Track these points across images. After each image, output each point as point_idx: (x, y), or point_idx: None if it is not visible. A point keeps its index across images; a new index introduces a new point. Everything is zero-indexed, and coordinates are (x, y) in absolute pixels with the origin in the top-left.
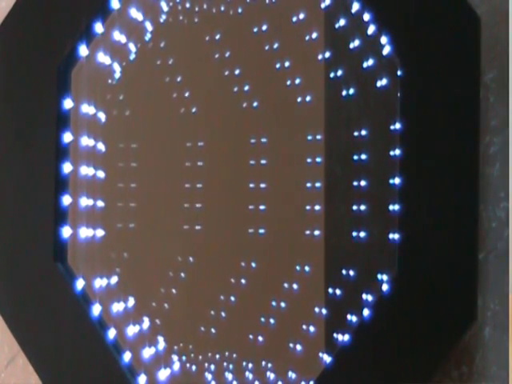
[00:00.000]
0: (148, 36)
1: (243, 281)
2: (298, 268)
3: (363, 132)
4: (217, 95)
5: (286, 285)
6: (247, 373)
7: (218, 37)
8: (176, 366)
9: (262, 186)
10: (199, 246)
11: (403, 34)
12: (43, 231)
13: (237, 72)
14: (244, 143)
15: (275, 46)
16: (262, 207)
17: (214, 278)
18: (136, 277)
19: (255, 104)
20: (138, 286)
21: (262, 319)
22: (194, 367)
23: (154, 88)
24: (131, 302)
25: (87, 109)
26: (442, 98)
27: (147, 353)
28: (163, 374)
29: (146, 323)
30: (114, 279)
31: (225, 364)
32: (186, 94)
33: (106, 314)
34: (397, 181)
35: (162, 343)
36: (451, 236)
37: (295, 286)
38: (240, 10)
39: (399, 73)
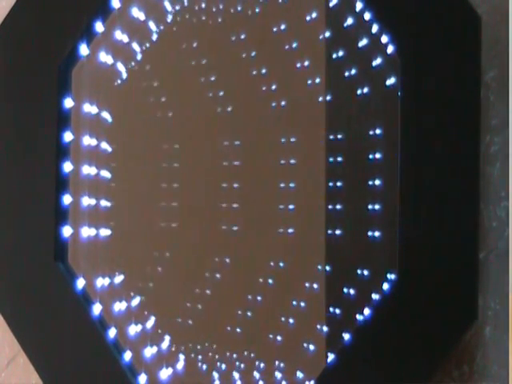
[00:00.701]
0: (154, 36)
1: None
2: (318, 267)
3: (362, 132)
4: (229, 94)
5: (306, 284)
6: (255, 372)
7: (223, 34)
8: (180, 365)
9: (282, 185)
10: (210, 244)
11: (404, 34)
12: (44, 230)
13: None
14: (274, 143)
15: (294, 44)
16: (282, 206)
17: (236, 278)
18: (142, 277)
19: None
20: (145, 286)
21: (282, 318)
22: (199, 365)
23: (158, 88)
24: (136, 301)
25: (89, 108)
26: (442, 97)
27: (149, 352)
28: (165, 373)
29: (151, 322)
30: (119, 278)
31: (234, 362)
32: (192, 96)
33: (107, 313)
34: (397, 180)
35: (166, 342)
36: (452, 235)
37: (315, 286)
38: (256, 10)
39: (400, 72)
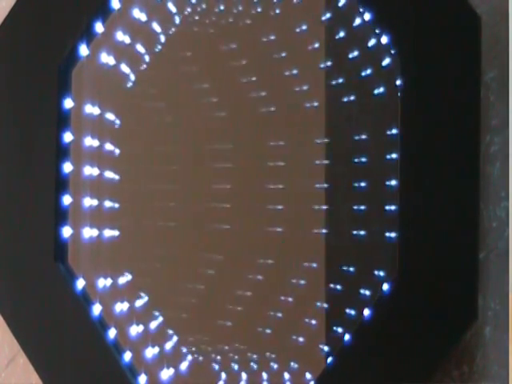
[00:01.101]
0: (156, 38)
1: (259, 277)
2: (304, 265)
3: (363, 135)
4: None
5: (293, 280)
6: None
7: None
8: (184, 365)
9: (280, 186)
10: (212, 243)
11: (403, 34)
12: (44, 231)
13: (254, 78)
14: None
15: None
16: (279, 207)
17: (229, 275)
18: (146, 277)
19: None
20: (150, 285)
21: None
22: (205, 365)
23: (159, 91)
24: (140, 301)
25: (91, 109)
26: (442, 98)
27: (151, 352)
28: (166, 373)
29: (156, 322)
30: (124, 279)
31: (235, 357)
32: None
33: (108, 314)
34: (397, 180)
35: (171, 342)
36: (452, 235)
37: (302, 281)
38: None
39: (400, 72)
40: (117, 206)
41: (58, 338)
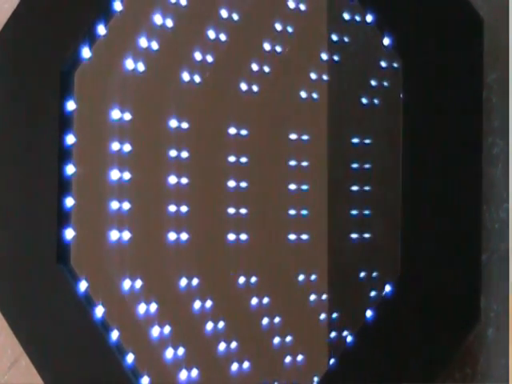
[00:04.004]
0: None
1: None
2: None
3: (365, 138)
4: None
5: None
6: None
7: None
8: (194, 373)
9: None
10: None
11: (405, 36)
12: (46, 233)
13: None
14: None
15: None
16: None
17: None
18: (157, 282)
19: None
20: (160, 290)
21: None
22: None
23: (168, 89)
24: (153, 307)
25: (97, 111)
26: (444, 100)
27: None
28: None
29: (168, 328)
30: (129, 283)
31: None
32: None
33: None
34: (399, 182)
35: (182, 349)
36: (454, 237)
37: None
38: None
39: (402, 75)
40: (126, 207)
41: (60, 340)
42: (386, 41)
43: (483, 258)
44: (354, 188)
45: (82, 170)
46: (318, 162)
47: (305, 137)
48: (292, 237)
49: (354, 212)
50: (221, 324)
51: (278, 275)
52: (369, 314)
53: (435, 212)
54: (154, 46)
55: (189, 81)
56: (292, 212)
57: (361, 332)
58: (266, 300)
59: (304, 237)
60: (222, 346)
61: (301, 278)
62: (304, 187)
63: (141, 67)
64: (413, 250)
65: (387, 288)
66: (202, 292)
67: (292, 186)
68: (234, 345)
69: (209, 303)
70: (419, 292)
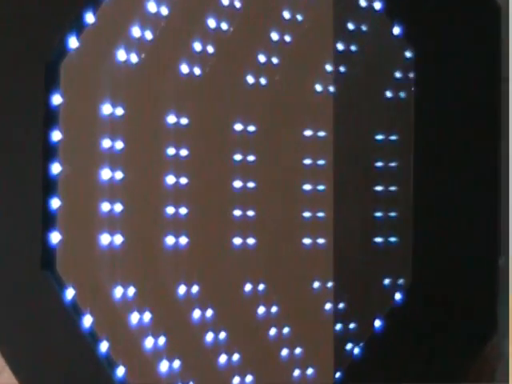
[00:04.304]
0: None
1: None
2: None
3: (379, 134)
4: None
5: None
6: None
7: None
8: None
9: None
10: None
11: (417, 24)
12: (29, 236)
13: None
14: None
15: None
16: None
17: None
18: (152, 288)
19: None
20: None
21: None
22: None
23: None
24: (147, 316)
25: (86, 105)
26: (458, 93)
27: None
28: None
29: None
30: (131, 290)
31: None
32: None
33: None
34: (412, 182)
35: (177, 362)
36: (470, 240)
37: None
38: None
39: (414, 67)
40: (118, 208)
41: (45, 352)
42: (396, 30)
43: (500, 263)
44: (365, 189)
45: (69, 169)
46: (334, 160)
47: (321, 133)
48: (307, 241)
49: (364, 215)
50: (222, 335)
51: (288, 282)
52: (377, 323)
53: (450, 213)
54: (148, 35)
55: (188, 73)
56: (307, 214)
57: (368, 343)
58: (274, 309)
59: (320, 241)
60: (222, 359)
61: (316, 285)
62: (320, 187)
63: (134, 58)
64: (425, 253)
65: (397, 296)
66: (203, 300)
67: (307, 187)
68: (236, 357)
69: (209, 312)
70: (431, 301)
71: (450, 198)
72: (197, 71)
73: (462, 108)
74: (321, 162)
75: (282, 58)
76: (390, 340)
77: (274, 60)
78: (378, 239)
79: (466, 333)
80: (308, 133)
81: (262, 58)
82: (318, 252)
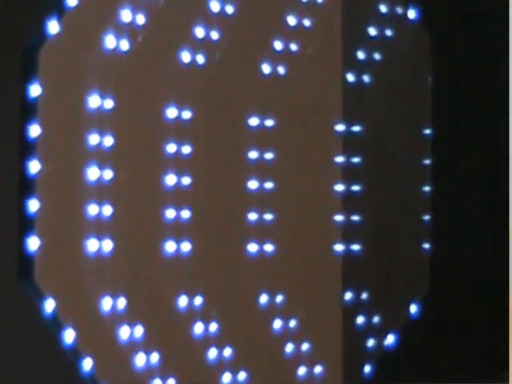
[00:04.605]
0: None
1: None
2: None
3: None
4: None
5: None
6: None
7: None
8: None
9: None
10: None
11: (433, 8)
12: (5, 242)
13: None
14: None
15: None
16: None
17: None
18: (147, 299)
19: None
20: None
21: None
22: None
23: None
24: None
25: (69, 97)
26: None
27: None
28: None
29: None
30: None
31: None
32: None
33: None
34: (428, 188)
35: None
36: (492, 250)
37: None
38: None
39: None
40: (108, 211)
41: (22, 370)
42: (412, 13)
43: None
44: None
45: (50, 168)
46: (373, 158)
47: (356, 128)
48: (339, 247)
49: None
50: (227, 351)
51: (311, 293)
52: (390, 339)
53: (471, 217)
54: (141, 19)
55: (190, 62)
56: (339, 218)
57: (381, 361)
58: (292, 323)
59: (355, 247)
60: (226, 378)
61: (348, 296)
62: (355, 188)
63: (124, 45)
64: (444, 264)
65: (412, 308)
66: (206, 314)
67: (339, 187)
68: (242, 376)
69: (213, 327)
70: (450, 313)
71: (473, 200)
72: (200, 59)
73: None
74: (355, 160)
75: (301, 44)
76: (403, 357)
77: (293, 47)
78: (394, 244)
79: (486, 351)
80: (340, 127)
81: (278, 45)
82: (353, 258)
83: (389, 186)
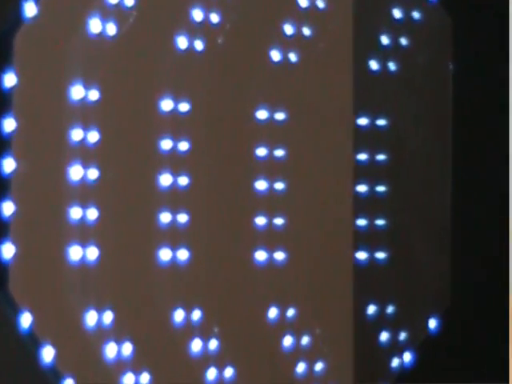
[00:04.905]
0: None
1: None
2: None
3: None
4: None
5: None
6: None
7: None
8: None
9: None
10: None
11: None
12: None
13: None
14: None
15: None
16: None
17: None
18: (136, 314)
19: None
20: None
21: None
22: None
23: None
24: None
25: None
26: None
27: None
28: None
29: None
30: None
31: None
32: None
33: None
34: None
35: None
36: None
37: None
38: None
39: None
40: (93, 215)
41: None
42: None
43: None
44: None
45: (27, 167)
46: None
47: (380, 121)
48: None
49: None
50: (229, 372)
51: (326, 307)
52: (407, 358)
53: (494, 227)
54: (129, 0)
55: (187, 48)
56: (362, 222)
57: (399, 380)
58: (305, 340)
59: (380, 255)
60: None
61: (371, 310)
62: (380, 188)
63: (111, 30)
64: (466, 276)
65: (431, 324)
66: (205, 329)
67: (361, 188)
68: None
69: (213, 344)
70: (471, 329)
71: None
72: (198, 45)
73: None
74: (380, 157)
75: (314, 28)
76: (422, 375)
77: (305, 31)
78: (412, 255)
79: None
80: (364, 121)
81: (289, 30)
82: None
83: (413, 188)
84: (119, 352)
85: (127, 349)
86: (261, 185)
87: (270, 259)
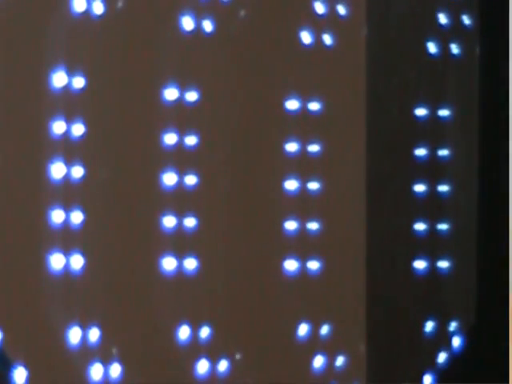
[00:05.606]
0: None
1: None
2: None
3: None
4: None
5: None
6: None
7: None
8: None
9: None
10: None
11: None
12: None
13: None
14: None
15: None
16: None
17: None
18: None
19: None
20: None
21: None
22: None
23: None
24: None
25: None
26: None
27: None
28: None
29: None
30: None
31: None
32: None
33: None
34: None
35: None
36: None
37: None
38: None
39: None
40: (77, 219)
41: None
42: None
43: None
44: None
45: (1, 164)
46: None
47: (442, 112)
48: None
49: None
50: None
51: (361, 323)
52: (428, 380)
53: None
54: None
55: (194, 29)
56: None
57: None
58: (340, 360)
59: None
60: None
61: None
62: (441, 188)
63: (98, 8)
64: (492, 288)
65: (455, 342)
66: (214, 348)
67: (419, 187)
68: None
69: (223, 365)
70: (498, 346)
71: None
72: (208, 26)
73: None
74: (442, 153)
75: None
76: None
77: (341, 10)
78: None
79: None
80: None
81: (320, 8)
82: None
83: (475, 186)
84: (106, 374)
85: (115, 371)
86: (291, 184)
87: (302, 269)
